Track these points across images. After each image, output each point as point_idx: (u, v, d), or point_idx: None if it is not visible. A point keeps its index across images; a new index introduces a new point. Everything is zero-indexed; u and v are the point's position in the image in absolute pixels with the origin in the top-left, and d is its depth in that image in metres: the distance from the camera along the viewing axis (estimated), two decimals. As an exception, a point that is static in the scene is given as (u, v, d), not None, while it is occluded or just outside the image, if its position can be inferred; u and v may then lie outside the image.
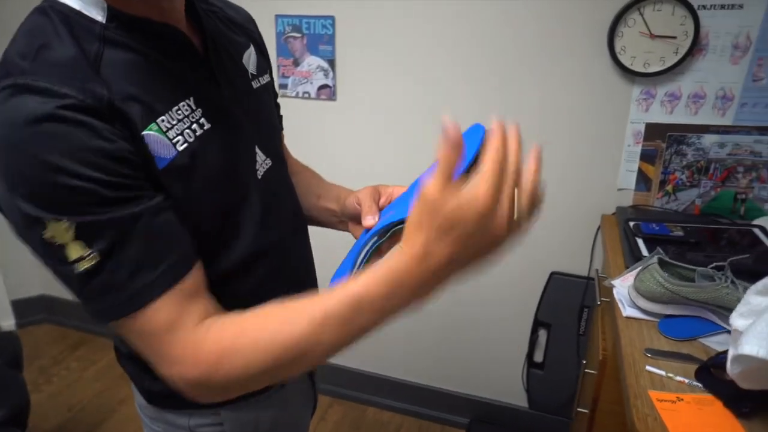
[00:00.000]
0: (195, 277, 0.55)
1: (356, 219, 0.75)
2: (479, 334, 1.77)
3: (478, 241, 0.45)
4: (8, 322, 2.39)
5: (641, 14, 1.25)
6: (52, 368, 2.18)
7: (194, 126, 0.59)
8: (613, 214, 1.41)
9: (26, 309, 2.40)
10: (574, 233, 1.52)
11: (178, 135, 0.57)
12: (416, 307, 0.50)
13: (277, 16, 1.59)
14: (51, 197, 0.48)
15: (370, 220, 0.67)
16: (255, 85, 0.73)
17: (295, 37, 1.60)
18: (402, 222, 0.61)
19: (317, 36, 1.58)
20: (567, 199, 1.49)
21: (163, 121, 0.56)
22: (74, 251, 0.49)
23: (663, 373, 0.84)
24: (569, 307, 1.57)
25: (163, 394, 0.69)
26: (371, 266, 0.50)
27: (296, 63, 1.63)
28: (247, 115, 0.69)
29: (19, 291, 2.38)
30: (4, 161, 0.48)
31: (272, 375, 0.54)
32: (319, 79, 1.63)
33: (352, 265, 0.63)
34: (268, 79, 0.79)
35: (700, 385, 0.80)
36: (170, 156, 0.56)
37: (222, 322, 0.54)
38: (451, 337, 1.82)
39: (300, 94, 1.66)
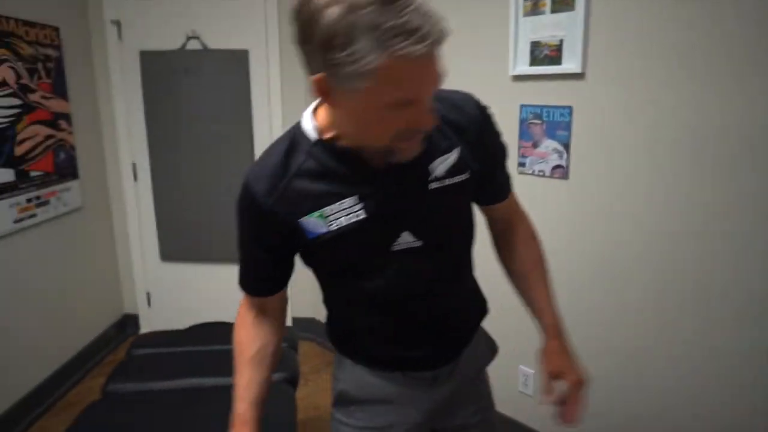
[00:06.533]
0: (266, 297, 1.01)
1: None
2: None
3: None
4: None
5: None
6: (309, 375, 2.73)
7: (351, 215, 0.87)
8: None
9: (300, 326, 3.06)
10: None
11: (335, 219, 0.87)
12: None
13: (522, 106, 1.89)
14: (239, 234, 0.96)
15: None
16: (433, 186, 0.89)
17: (535, 124, 1.87)
18: None
19: (555, 123, 1.82)
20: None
21: (327, 210, 0.87)
22: (239, 255, 0.99)
23: None
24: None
25: (331, 339, 1.12)
26: None
27: (535, 145, 1.88)
28: (405, 210, 0.89)
29: (297, 311, 3.07)
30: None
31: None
32: (554, 160, 1.85)
33: None
34: (464, 177, 0.92)
35: None
36: (320, 232, 0.88)
37: (246, 312, 1.03)
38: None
39: (536, 172, 1.90)
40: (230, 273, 3.08)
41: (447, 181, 0.90)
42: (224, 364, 1.82)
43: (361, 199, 0.87)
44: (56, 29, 2.61)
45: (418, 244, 0.91)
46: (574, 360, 1.00)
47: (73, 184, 2.75)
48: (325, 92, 0.75)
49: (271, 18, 2.80)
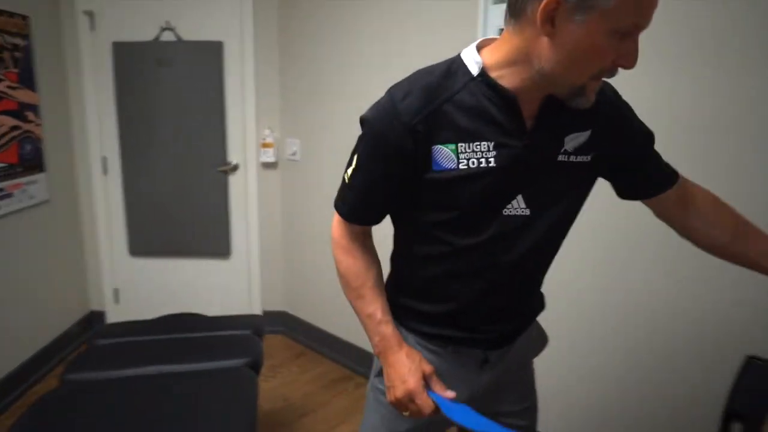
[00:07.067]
0: (362, 226, 1.01)
1: None
2: (665, 412, 1.63)
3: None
4: (257, 328, 3.06)
5: None
6: (278, 367, 2.70)
7: (482, 159, 0.86)
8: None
9: (270, 319, 3.02)
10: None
11: (466, 159, 0.86)
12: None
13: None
14: (360, 156, 0.92)
15: None
16: (560, 158, 0.89)
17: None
18: None
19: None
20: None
21: (462, 146, 0.85)
22: (349, 172, 0.96)
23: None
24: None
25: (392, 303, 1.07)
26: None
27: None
28: (531, 173, 0.88)
29: (268, 305, 3.05)
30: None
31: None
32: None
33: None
34: (585, 159, 0.91)
35: None
36: (448, 167, 0.86)
37: (352, 243, 1.00)
38: (634, 412, 1.71)
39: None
40: (202, 268, 3.09)
41: (572, 158, 0.91)
42: (185, 352, 1.80)
43: (496, 147, 0.85)
44: (25, 18, 2.57)
45: (526, 212, 0.91)
46: None
47: (39, 176, 2.68)
48: (550, 17, 0.74)
49: (246, 10, 2.79)
